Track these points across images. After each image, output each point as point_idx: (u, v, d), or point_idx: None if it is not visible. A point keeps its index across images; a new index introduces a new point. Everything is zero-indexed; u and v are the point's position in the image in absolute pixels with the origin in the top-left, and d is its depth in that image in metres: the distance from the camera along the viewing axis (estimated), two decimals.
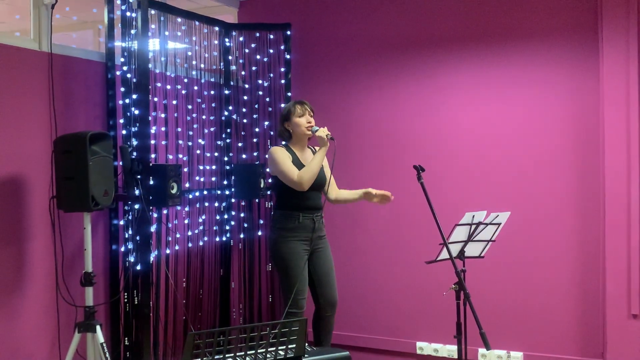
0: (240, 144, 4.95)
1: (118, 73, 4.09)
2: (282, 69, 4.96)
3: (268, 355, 2.81)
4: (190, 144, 4.52)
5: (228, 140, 4.90)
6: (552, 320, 4.37)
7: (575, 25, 4.29)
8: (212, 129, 4.78)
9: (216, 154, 4.81)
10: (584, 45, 4.26)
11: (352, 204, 4.77)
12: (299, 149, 4.11)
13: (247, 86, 4.99)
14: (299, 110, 4.05)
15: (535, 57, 4.39)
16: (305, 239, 4.02)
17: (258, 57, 4.97)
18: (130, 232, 3.99)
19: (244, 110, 4.97)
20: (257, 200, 4.95)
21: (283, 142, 4.16)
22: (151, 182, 3.84)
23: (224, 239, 4.89)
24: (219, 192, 4.81)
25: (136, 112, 3.91)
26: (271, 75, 4.98)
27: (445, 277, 3.90)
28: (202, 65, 4.67)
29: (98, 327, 3.54)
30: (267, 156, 4.15)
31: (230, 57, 4.90)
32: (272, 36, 4.97)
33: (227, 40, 4.87)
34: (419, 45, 4.73)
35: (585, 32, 4.26)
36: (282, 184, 4.01)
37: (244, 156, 4.95)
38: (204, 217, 4.69)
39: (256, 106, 4.97)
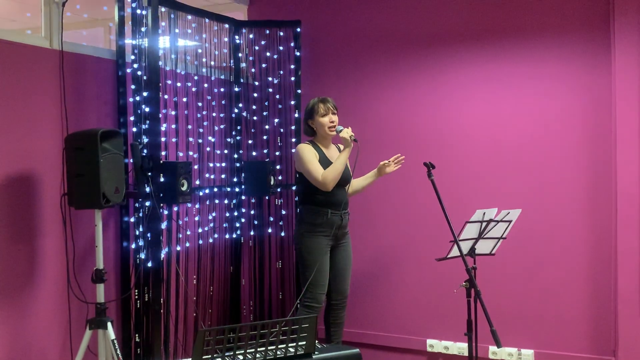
0: (250, 141, 4.95)
1: (128, 70, 4.10)
2: (292, 66, 4.95)
3: (278, 352, 2.81)
4: (200, 141, 4.52)
5: (238, 138, 4.90)
6: (563, 318, 4.35)
7: (587, 20, 4.26)
8: (222, 126, 4.78)
9: (226, 151, 4.81)
10: (595, 40, 4.23)
11: (363, 200, 4.78)
12: (325, 145, 4.16)
13: (257, 83, 4.99)
14: (322, 110, 4.09)
15: (546, 53, 4.36)
16: (330, 235, 4.06)
17: (268, 54, 4.97)
18: (141, 229, 4.00)
19: (254, 107, 4.97)
20: (267, 198, 4.95)
21: (308, 140, 4.21)
22: (162, 179, 3.85)
23: (234, 236, 4.89)
24: (229, 189, 4.82)
25: (147, 109, 3.92)
26: (281, 72, 4.98)
27: (455, 274, 3.89)
28: (212, 63, 4.67)
29: (109, 324, 3.55)
30: (293, 151, 4.19)
31: (240, 55, 4.91)
32: (282, 33, 4.97)
33: (237, 37, 4.87)
34: (430, 41, 4.71)
35: (597, 26, 4.23)
36: (308, 181, 4.04)
37: (254, 153, 4.96)
38: (214, 214, 4.69)
39: (266, 103, 4.97)
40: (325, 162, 4.07)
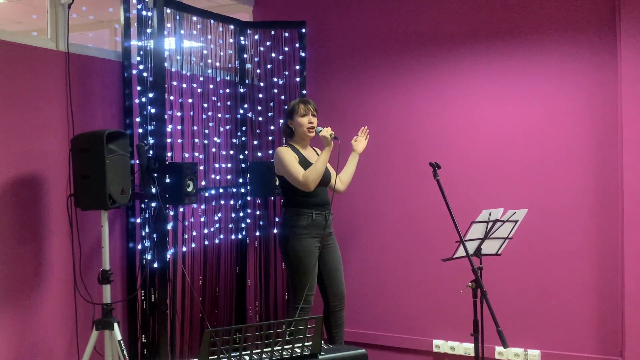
0: (255, 142, 4.96)
1: (134, 72, 4.11)
2: (297, 67, 4.95)
3: (284, 353, 2.81)
4: (206, 142, 4.53)
5: (243, 139, 4.91)
6: (569, 318, 4.34)
7: (593, 19, 4.25)
8: (227, 127, 4.79)
9: (232, 152, 4.82)
10: (601, 38, 4.22)
11: (368, 200, 4.79)
12: (302, 147, 4.14)
13: (262, 84, 4.99)
14: (302, 110, 4.07)
15: (552, 52, 4.35)
16: (317, 236, 4.05)
17: (273, 55, 4.97)
18: (147, 230, 4.01)
19: (259, 108, 4.98)
20: (272, 198, 4.96)
21: (285, 142, 4.20)
22: (167, 180, 3.86)
23: (240, 236, 4.90)
24: (234, 190, 4.83)
25: (152, 110, 3.93)
26: (286, 73, 4.98)
27: (461, 274, 3.88)
28: (218, 64, 4.68)
29: (115, 325, 3.56)
30: (273, 155, 4.17)
31: (245, 55, 4.91)
32: (287, 34, 4.97)
33: (242, 38, 4.88)
34: (435, 41, 4.70)
35: (602, 25, 4.21)
36: (289, 183, 4.03)
37: (259, 154, 4.96)
38: (219, 214, 4.70)
39: (271, 104, 4.97)
40: (304, 164, 4.03)
